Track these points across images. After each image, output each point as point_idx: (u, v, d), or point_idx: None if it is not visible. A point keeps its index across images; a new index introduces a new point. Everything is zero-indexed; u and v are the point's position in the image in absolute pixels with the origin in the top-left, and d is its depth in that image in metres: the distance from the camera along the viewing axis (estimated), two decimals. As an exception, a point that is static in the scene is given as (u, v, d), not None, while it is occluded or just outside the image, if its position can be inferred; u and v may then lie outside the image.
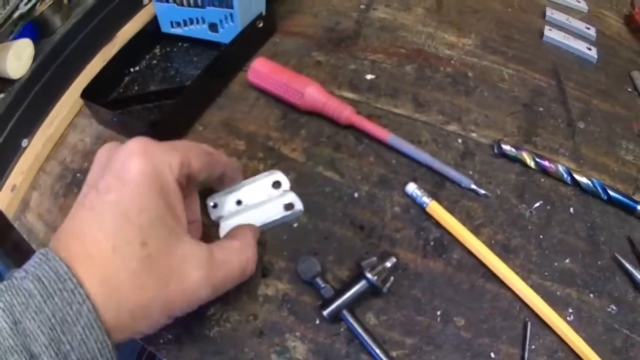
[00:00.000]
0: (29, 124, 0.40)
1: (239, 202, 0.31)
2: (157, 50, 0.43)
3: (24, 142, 0.40)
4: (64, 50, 0.40)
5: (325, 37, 0.41)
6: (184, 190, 0.24)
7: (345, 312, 0.28)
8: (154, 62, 0.42)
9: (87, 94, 0.38)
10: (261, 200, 0.31)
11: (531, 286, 0.29)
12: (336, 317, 0.28)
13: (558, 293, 0.30)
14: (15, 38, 0.41)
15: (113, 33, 0.43)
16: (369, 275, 0.27)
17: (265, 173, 0.32)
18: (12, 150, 0.39)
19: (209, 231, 0.31)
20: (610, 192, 0.34)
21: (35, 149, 0.39)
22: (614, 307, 0.29)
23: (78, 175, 0.37)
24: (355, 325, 0.27)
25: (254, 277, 0.30)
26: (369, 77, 0.38)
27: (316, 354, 0.27)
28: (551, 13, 0.44)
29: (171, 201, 0.22)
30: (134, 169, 0.20)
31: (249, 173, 0.33)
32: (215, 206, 0.31)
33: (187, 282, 0.21)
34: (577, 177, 0.34)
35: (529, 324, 0.29)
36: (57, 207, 0.36)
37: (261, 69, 0.35)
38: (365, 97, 0.36)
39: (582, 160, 0.35)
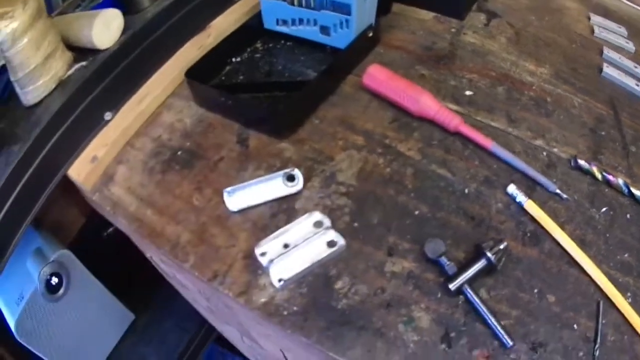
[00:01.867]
0: (114, 98, 0.57)
1: (285, 246, 0.49)
2: (258, 45, 0.64)
3: (107, 115, 0.57)
4: (155, 30, 0.60)
5: (425, 54, 0.67)
6: None
7: (466, 286, 0.45)
8: (257, 55, 0.63)
9: (191, 76, 0.57)
10: (305, 240, 0.49)
11: (602, 274, 0.49)
12: (458, 291, 0.46)
13: (620, 280, 0.53)
14: (94, 8, 0.55)
15: (205, 23, 0.64)
16: (489, 254, 0.47)
17: (306, 215, 0.51)
18: (92, 122, 0.56)
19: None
20: None
21: (121, 123, 0.57)
22: None
23: (179, 153, 0.56)
24: (475, 298, 0.46)
25: (380, 255, 0.47)
26: (467, 93, 0.63)
27: (438, 323, 0.46)
28: (607, 52, 0.73)
29: None
30: None
31: (369, 166, 0.52)
32: (263, 254, 0.49)
33: None
34: (633, 190, 0.56)
35: (601, 303, 0.48)
36: (154, 183, 0.54)
37: (377, 75, 0.58)
38: (466, 110, 0.61)
39: (635, 177, 0.58)
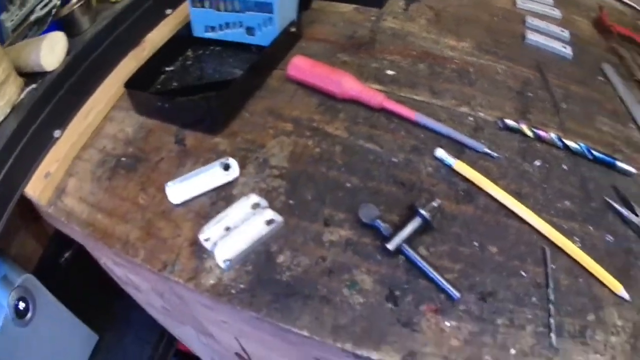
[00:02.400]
0: (62, 116, 0.69)
1: (227, 229, 0.59)
2: (189, 53, 0.76)
3: (57, 133, 0.68)
4: (95, 49, 0.72)
5: (347, 42, 0.78)
6: None
7: (404, 245, 0.55)
8: (188, 62, 0.75)
9: (130, 86, 0.68)
10: (245, 221, 0.59)
11: (543, 222, 0.59)
12: (397, 250, 0.55)
13: (564, 226, 0.61)
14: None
15: (141, 38, 0.77)
16: (423, 211, 0.56)
17: (243, 198, 0.61)
18: (44, 140, 0.67)
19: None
20: (594, 152, 0.67)
21: (70, 139, 0.68)
22: (611, 237, 0.60)
23: (123, 159, 0.66)
24: (415, 255, 0.55)
25: (317, 227, 0.57)
26: (389, 72, 0.74)
27: (381, 283, 0.55)
28: (531, 20, 0.85)
29: None
30: None
31: (298, 148, 0.63)
32: (207, 239, 0.58)
33: None
34: (567, 141, 0.67)
35: (546, 249, 0.58)
36: (102, 189, 0.64)
37: (301, 64, 0.69)
38: (390, 88, 0.71)
39: (568, 131, 0.69)
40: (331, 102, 0.70)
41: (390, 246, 0.56)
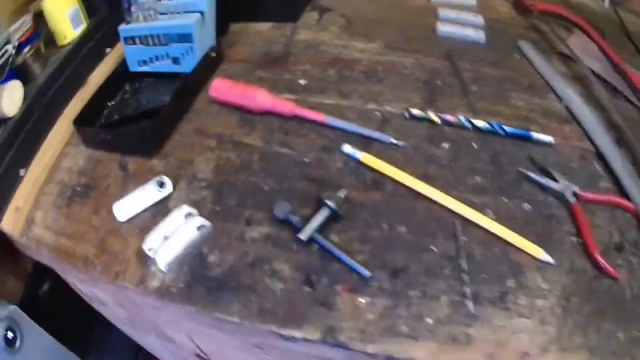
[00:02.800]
0: (25, 156, 0.84)
1: (165, 238, 0.72)
2: (127, 87, 0.91)
3: (22, 172, 0.83)
4: (47, 93, 0.87)
5: (263, 60, 0.91)
6: None
7: (316, 234, 0.68)
8: (127, 96, 0.90)
9: (78, 123, 0.82)
10: (179, 229, 0.72)
11: (450, 199, 0.72)
12: (310, 240, 0.68)
13: (475, 200, 0.71)
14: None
15: (85, 77, 0.92)
16: (329, 202, 0.68)
17: (177, 209, 0.74)
18: (11, 179, 0.82)
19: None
20: (507, 128, 0.78)
21: (33, 175, 0.83)
22: (528, 205, 0.71)
23: (77, 188, 0.80)
24: (325, 241, 0.68)
25: (240, 228, 0.70)
26: (302, 82, 0.86)
27: (299, 270, 0.66)
28: (443, 12, 0.95)
29: None
30: None
31: (222, 161, 0.77)
32: (150, 249, 0.72)
33: None
34: (475, 122, 0.79)
35: (455, 222, 0.69)
36: (63, 216, 0.78)
37: (220, 86, 0.83)
38: (301, 96, 0.84)
39: (479, 112, 0.81)
40: (250, 116, 0.83)
41: (303, 236, 0.67)
